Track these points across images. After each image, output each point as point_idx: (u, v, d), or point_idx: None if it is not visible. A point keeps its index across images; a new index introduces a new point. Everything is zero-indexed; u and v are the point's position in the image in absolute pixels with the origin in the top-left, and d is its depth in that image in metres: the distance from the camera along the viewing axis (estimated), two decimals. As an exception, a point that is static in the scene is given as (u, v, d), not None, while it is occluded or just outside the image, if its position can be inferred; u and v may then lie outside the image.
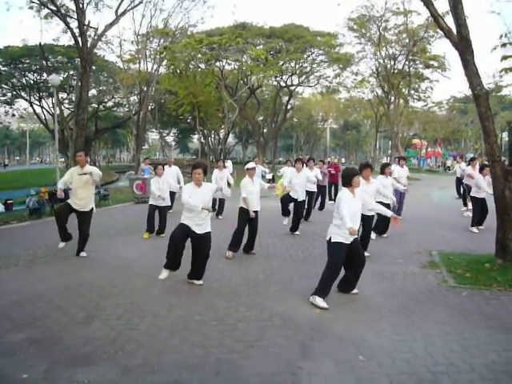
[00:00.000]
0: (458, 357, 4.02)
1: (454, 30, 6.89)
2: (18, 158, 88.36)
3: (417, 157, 59.87)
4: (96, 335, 4.48)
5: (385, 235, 9.89)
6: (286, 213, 11.17)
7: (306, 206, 12.17)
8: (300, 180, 10.45)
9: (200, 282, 6.29)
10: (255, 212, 8.19)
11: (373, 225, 8.44)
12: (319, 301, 5.35)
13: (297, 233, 10.27)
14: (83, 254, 8.11)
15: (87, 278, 6.62)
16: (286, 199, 10.73)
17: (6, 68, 43.35)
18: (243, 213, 8.20)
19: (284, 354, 4.07)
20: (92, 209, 8.14)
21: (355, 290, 5.87)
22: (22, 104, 51.46)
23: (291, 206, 10.79)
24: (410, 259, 7.84)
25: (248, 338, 4.39)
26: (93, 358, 3.98)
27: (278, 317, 4.97)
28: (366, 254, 7.90)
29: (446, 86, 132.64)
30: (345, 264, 5.73)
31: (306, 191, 11.97)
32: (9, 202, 12.16)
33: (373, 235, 9.50)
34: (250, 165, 8.61)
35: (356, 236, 5.60)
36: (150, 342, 4.32)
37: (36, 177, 31.94)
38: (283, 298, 5.64)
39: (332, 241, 5.51)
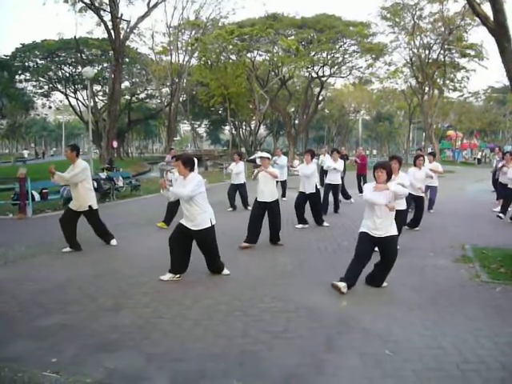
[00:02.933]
0: (488, 354, 3.89)
1: (491, 16, 6.62)
2: (54, 149, 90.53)
3: (452, 149, 58.31)
4: (123, 323, 4.55)
5: (417, 228, 9.70)
6: (301, 220, 10.00)
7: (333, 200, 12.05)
8: (307, 172, 9.62)
9: (226, 271, 6.31)
10: (267, 203, 8.04)
11: (406, 220, 8.30)
12: (340, 283, 5.43)
13: (326, 224, 10.12)
14: (113, 242, 8.20)
15: (116, 266, 6.74)
16: (299, 201, 9.89)
17: (42, 61, 44.52)
18: (256, 204, 8.19)
19: (309, 345, 4.04)
20: (90, 206, 7.79)
21: (384, 284, 5.76)
22: (58, 96, 52.83)
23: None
24: (441, 253, 7.66)
25: (273, 329, 4.37)
26: (119, 345, 4.05)
27: (304, 309, 4.94)
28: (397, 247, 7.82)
29: (484, 75, 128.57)
30: (378, 265, 5.76)
31: (330, 184, 11.85)
32: (44, 191, 12.48)
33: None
34: (263, 154, 8.50)
35: (393, 234, 5.54)
36: (175, 331, 4.36)
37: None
38: (309, 290, 5.59)
39: (359, 231, 5.69)
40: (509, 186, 10.83)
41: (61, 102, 55.02)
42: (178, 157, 6.19)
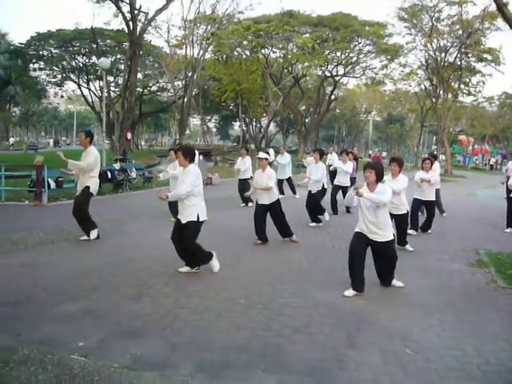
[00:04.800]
0: (509, 357, 3.93)
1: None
2: (64, 138, 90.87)
3: (463, 154, 58.03)
4: (146, 311, 4.63)
5: (429, 231, 9.71)
6: (315, 219, 10.05)
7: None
8: (316, 177, 9.74)
9: (215, 268, 6.16)
10: (264, 205, 8.01)
11: (408, 222, 8.29)
12: (351, 291, 5.39)
13: (325, 218, 10.10)
14: (93, 234, 7.80)
15: (134, 255, 6.84)
16: (308, 200, 10.00)
17: (57, 51, 44.71)
18: (257, 205, 8.21)
19: (330, 341, 4.09)
20: (88, 187, 7.62)
21: (401, 284, 5.79)
22: (70, 86, 53.06)
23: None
24: (455, 257, 7.67)
25: (294, 324, 4.43)
26: (144, 333, 4.12)
27: (323, 305, 4.99)
28: (410, 248, 7.89)
29: (498, 81, 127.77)
30: (376, 266, 5.76)
31: (339, 186, 11.83)
32: (60, 179, 12.60)
33: (413, 231, 9.20)
34: (260, 155, 8.38)
35: (388, 239, 5.46)
36: (198, 322, 4.43)
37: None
38: (327, 287, 5.64)
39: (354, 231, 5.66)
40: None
41: (73, 91, 55.31)
42: (179, 148, 6.24)
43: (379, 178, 5.41)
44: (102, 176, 13.06)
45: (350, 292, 5.38)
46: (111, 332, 4.12)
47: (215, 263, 6.19)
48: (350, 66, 41.28)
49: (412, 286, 5.85)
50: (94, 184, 7.77)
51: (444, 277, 6.42)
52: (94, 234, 7.81)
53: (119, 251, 7.13)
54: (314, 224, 10.01)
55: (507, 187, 14.74)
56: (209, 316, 4.58)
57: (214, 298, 5.13)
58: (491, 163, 52.16)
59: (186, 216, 5.87)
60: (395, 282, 5.80)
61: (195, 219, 5.85)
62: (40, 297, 4.95)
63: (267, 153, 9.08)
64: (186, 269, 6.12)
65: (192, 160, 5.98)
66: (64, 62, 46.33)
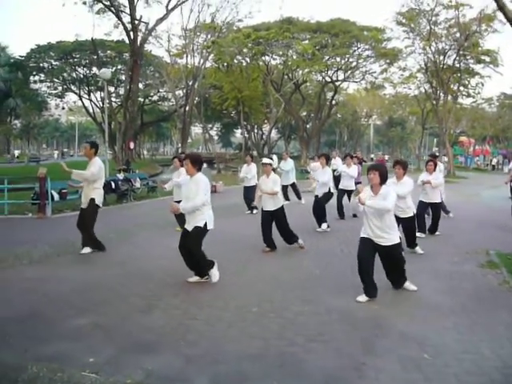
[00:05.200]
0: (529, 361, 3.85)
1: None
2: (65, 149, 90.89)
3: (464, 155, 57.97)
4: (157, 324, 4.55)
5: (437, 233, 9.62)
6: (320, 224, 10.04)
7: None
8: (324, 180, 9.77)
9: (214, 279, 6.03)
10: (270, 211, 7.92)
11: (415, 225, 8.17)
12: (363, 297, 5.31)
13: (324, 227, 9.92)
14: (85, 250, 7.62)
15: (141, 266, 6.77)
16: (314, 205, 10.01)
17: (57, 62, 44.88)
18: (262, 212, 8.12)
19: (346, 348, 4.01)
20: (93, 199, 7.49)
21: (414, 287, 5.71)
22: (71, 97, 53.09)
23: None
24: (465, 258, 7.60)
25: (308, 332, 4.35)
26: (156, 346, 4.03)
27: (336, 312, 4.92)
28: (420, 251, 7.82)
29: (497, 82, 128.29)
30: (385, 270, 5.68)
31: (344, 190, 11.78)
32: (63, 191, 12.55)
33: (421, 234, 9.08)
34: (264, 161, 8.33)
35: (395, 242, 5.37)
36: (210, 333, 4.35)
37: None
38: (338, 293, 5.57)
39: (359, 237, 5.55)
40: None
41: (74, 103, 55.42)
42: (186, 156, 6.21)
43: (383, 179, 5.34)
44: (106, 187, 13.05)
45: (362, 297, 5.31)
46: (122, 346, 4.03)
47: (215, 273, 6.08)
48: (349, 71, 41.41)
49: (424, 288, 5.77)
50: (98, 195, 7.70)
51: (455, 279, 6.34)
52: (86, 250, 7.65)
53: (126, 262, 7.06)
54: (321, 229, 9.93)
55: (511, 187, 14.71)
56: (222, 326, 4.51)
57: (224, 307, 5.05)
58: (493, 163, 52.09)
59: (193, 224, 5.85)
60: (408, 285, 5.73)
61: (201, 226, 5.83)
62: (47, 311, 4.87)
63: (271, 158, 9.04)
64: (195, 278, 6.06)
65: (200, 168, 5.96)
66: (64, 74, 46.50)
